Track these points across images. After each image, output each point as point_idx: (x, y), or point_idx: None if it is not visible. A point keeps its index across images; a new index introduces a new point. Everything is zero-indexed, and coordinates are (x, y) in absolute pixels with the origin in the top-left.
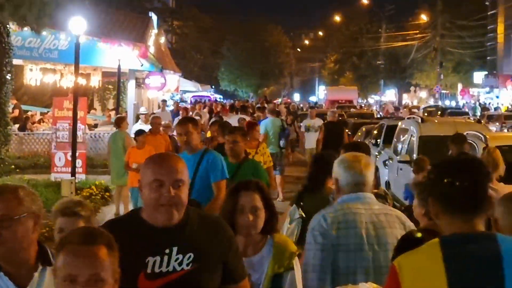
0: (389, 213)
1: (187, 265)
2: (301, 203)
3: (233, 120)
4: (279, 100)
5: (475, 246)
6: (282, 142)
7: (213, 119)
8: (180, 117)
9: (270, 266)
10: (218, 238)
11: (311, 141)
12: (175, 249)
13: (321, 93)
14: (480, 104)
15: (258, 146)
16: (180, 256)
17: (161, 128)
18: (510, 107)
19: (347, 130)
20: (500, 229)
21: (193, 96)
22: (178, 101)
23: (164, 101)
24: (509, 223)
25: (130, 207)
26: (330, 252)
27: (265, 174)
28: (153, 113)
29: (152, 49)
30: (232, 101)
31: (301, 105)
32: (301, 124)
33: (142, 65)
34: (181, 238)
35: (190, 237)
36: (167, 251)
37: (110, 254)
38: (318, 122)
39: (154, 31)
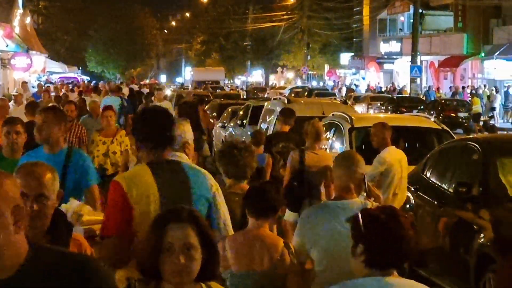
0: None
1: None
2: None
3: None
4: (147, 81)
5: (170, 166)
6: (121, 120)
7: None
8: (41, 100)
9: None
10: None
11: None
12: None
13: (187, 74)
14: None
15: (116, 134)
16: None
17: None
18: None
19: (205, 108)
20: (332, 180)
21: (60, 77)
22: (42, 82)
23: (24, 82)
24: (337, 175)
25: None
26: None
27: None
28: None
29: (17, 30)
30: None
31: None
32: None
33: (7, 46)
34: None
35: None
36: None
37: None
38: (167, 104)
39: (20, 11)
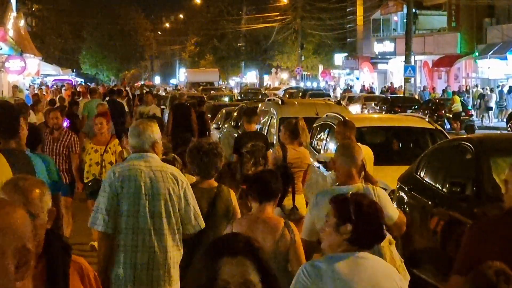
0: (165, 170)
1: None
2: None
3: None
4: (141, 83)
5: (17, 155)
6: None
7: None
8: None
9: None
10: None
11: None
12: None
13: (181, 75)
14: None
15: (109, 143)
16: None
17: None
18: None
19: (204, 110)
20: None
21: (54, 80)
22: (36, 84)
23: (15, 86)
24: (340, 163)
25: None
26: (114, 199)
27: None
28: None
29: (11, 33)
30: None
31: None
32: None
33: (1, 49)
34: None
35: None
36: None
37: None
38: (155, 108)
39: (13, 14)
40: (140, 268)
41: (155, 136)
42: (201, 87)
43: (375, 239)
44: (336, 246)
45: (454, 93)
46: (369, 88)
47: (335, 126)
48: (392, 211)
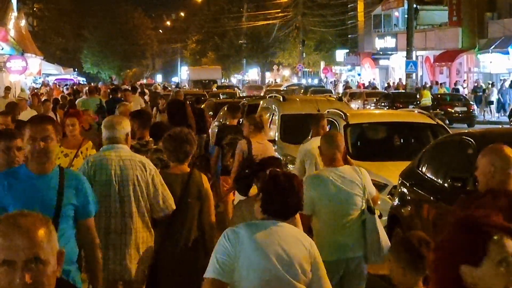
0: (133, 159)
1: None
2: None
3: None
4: (144, 81)
5: None
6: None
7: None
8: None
9: None
10: None
11: None
12: None
13: (183, 73)
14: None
15: (81, 146)
16: None
17: None
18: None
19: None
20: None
21: (57, 79)
22: (39, 84)
23: (8, 88)
24: (326, 148)
25: None
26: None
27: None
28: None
29: (12, 33)
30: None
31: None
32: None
33: (2, 49)
34: None
35: None
36: None
37: None
38: (135, 106)
39: (14, 14)
40: (112, 248)
41: (126, 129)
42: (215, 84)
43: (288, 211)
44: (258, 214)
45: (424, 87)
46: (362, 85)
47: (336, 122)
48: (372, 188)
